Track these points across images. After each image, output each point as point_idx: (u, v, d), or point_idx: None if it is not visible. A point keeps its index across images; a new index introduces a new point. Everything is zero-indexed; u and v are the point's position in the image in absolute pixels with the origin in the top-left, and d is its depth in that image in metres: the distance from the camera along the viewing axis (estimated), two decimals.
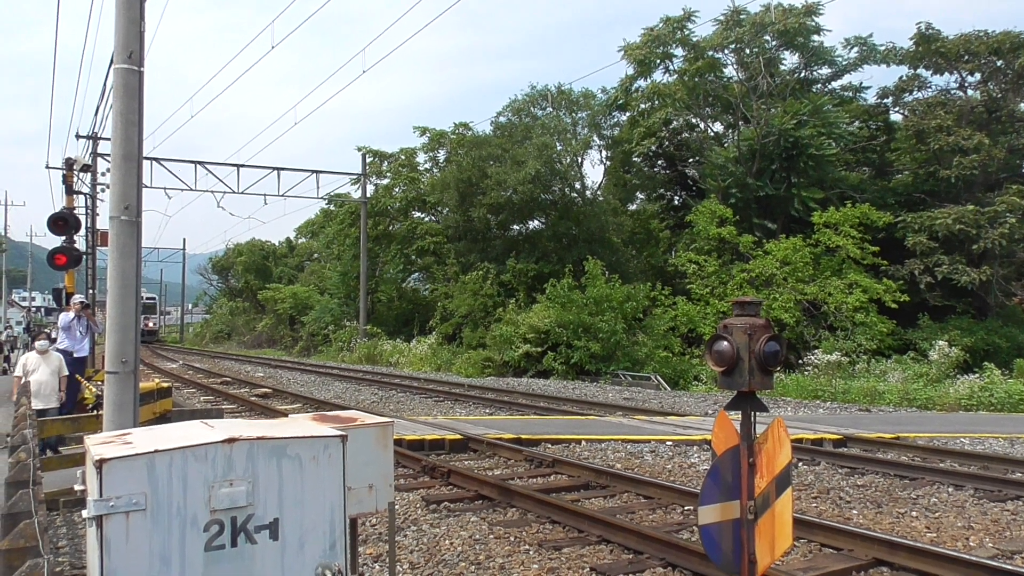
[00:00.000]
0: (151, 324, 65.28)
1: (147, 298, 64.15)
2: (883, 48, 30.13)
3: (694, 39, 30.53)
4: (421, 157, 41.38)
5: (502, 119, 36.03)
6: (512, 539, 6.60)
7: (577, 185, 35.01)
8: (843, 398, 19.53)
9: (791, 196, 28.45)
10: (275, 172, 34.34)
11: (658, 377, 23.57)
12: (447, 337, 33.94)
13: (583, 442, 11.48)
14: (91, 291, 25.44)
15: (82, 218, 20.89)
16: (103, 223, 24.76)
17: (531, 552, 6.24)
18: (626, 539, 6.35)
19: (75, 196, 20.82)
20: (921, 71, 28.79)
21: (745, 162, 29.26)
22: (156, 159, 32.02)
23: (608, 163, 36.96)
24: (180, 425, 3.22)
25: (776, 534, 3.69)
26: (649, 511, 7.64)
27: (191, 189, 33.07)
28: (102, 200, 26.39)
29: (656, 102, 32.40)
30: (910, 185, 28.70)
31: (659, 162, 36.43)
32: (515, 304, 29.90)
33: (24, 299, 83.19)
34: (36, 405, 10.23)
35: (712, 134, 33.72)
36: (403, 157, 42.11)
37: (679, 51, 31.37)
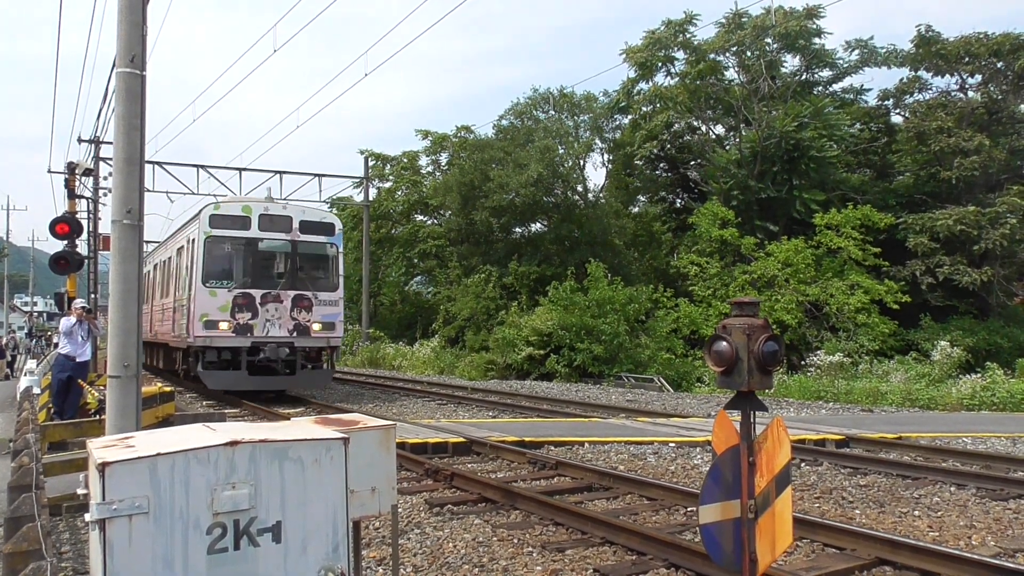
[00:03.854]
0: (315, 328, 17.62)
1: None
2: (884, 50, 30.23)
3: (695, 42, 30.61)
4: (423, 160, 41.49)
5: (504, 122, 36.18)
6: (516, 541, 6.60)
7: (579, 188, 35.09)
8: (845, 399, 19.51)
9: (793, 198, 28.47)
10: (277, 175, 34.27)
11: (661, 379, 23.57)
12: (450, 340, 33.95)
13: (586, 444, 11.47)
14: (93, 295, 25.46)
15: (84, 222, 20.93)
16: (105, 227, 24.79)
17: (534, 554, 6.24)
18: (629, 540, 6.35)
19: (77, 200, 20.85)
20: (922, 73, 28.88)
21: (747, 164, 29.27)
22: (158, 163, 32.01)
23: (610, 166, 37.02)
24: (182, 428, 3.23)
25: (776, 533, 3.70)
26: (652, 512, 7.63)
27: (193, 193, 33.03)
28: (104, 204, 26.39)
29: (658, 105, 32.44)
30: (911, 186, 28.73)
31: (661, 165, 36.46)
32: (518, 307, 29.92)
33: (26, 304, 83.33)
34: None
35: (714, 137, 33.75)
36: (405, 160, 42.16)
37: (680, 54, 31.44)
